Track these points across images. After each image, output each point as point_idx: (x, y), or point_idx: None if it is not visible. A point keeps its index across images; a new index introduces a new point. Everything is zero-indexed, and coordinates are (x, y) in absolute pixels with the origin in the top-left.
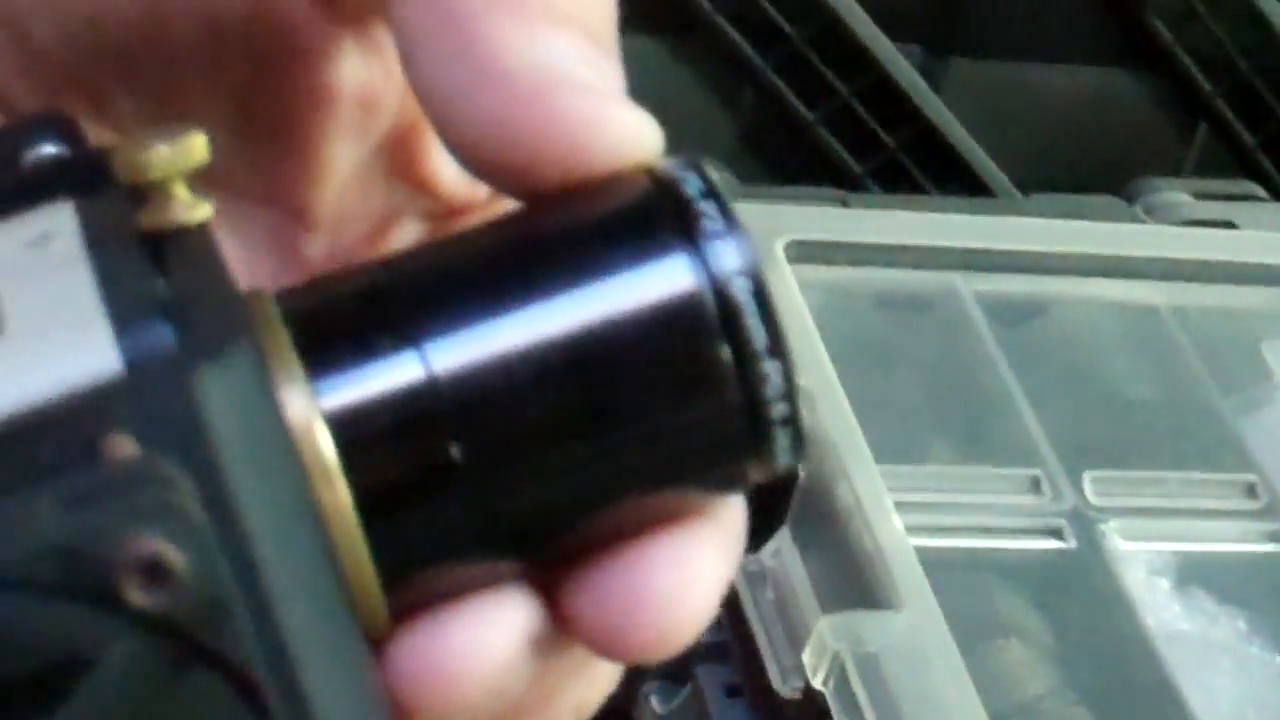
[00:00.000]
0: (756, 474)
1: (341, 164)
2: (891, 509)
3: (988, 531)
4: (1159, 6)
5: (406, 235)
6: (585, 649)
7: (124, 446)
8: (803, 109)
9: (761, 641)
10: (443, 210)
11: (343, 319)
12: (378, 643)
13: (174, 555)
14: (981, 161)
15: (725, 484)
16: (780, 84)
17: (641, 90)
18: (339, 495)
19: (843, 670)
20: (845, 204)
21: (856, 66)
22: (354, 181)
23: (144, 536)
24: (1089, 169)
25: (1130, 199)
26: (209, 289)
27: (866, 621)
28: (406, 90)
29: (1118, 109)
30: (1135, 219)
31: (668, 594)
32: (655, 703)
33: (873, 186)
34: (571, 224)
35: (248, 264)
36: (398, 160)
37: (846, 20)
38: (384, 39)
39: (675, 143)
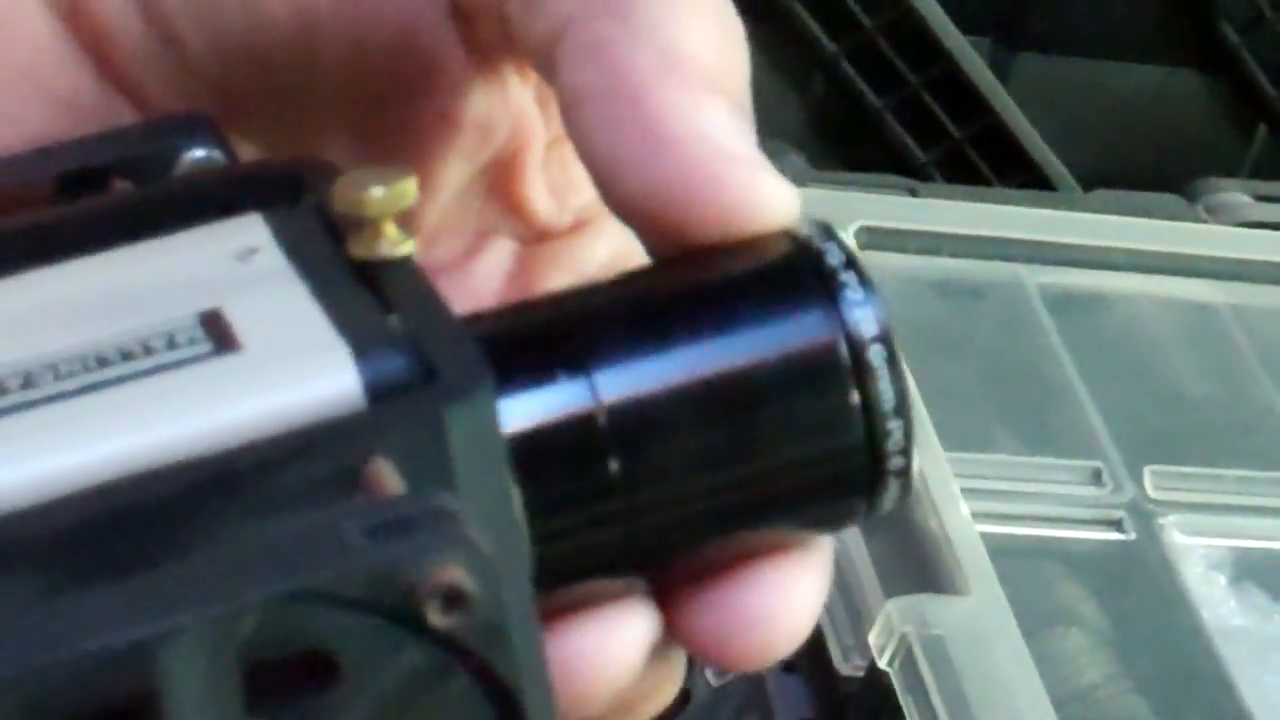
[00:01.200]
0: (863, 515)
1: (450, 182)
2: (959, 495)
3: (1050, 520)
4: (1228, 10)
5: (497, 253)
6: (689, 654)
7: (385, 475)
8: (873, 97)
9: (823, 620)
10: (532, 234)
11: (523, 346)
12: None
13: (470, 585)
14: (1045, 155)
15: (834, 522)
16: (852, 72)
17: None
18: (519, 511)
19: (909, 651)
20: (914, 193)
21: (927, 57)
22: (457, 199)
23: (446, 566)
24: (1150, 167)
25: (1191, 198)
26: (435, 320)
27: (933, 605)
28: (516, 119)
29: (1181, 109)
30: (1196, 218)
31: (774, 616)
32: (710, 675)
33: (937, 175)
34: (727, 279)
35: None
36: (498, 183)
37: (919, 11)
38: (507, 72)
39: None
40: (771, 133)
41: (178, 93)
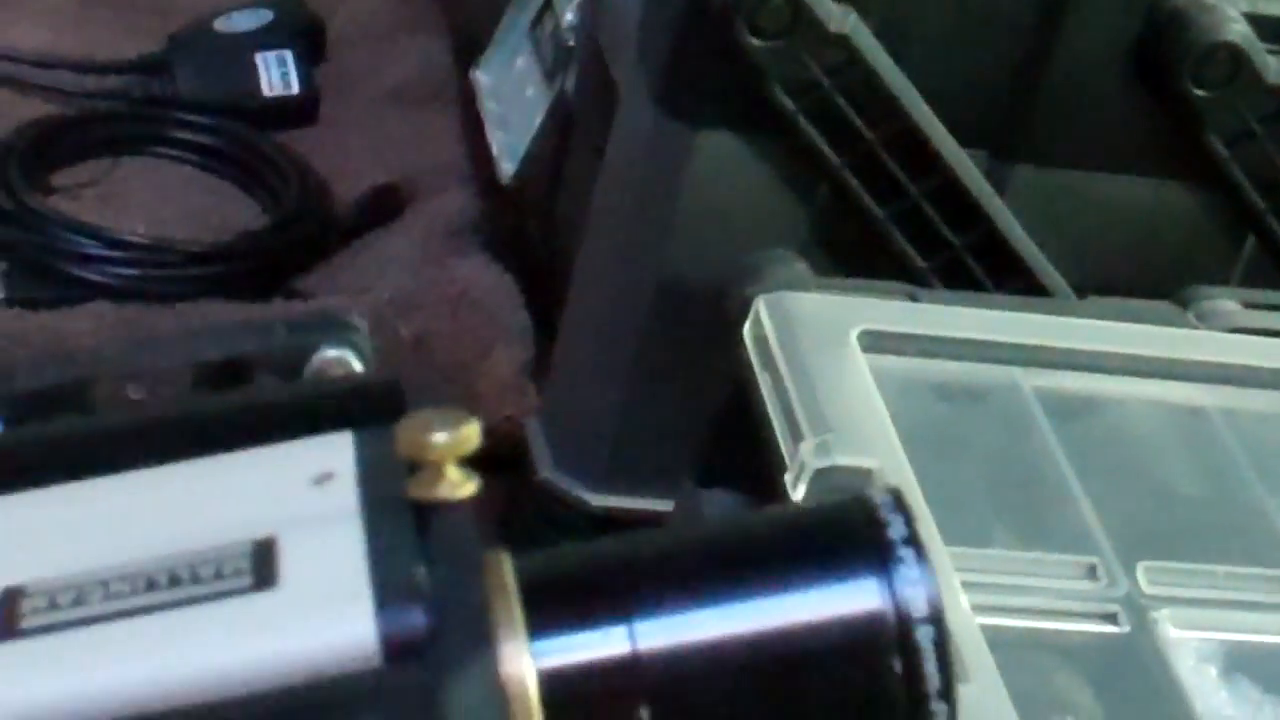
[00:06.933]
0: None
1: None
2: (959, 588)
3: (1047, 613)
4: (1218, 125)
5: None
6: None
7: None
8: (874, 207)
9: None
10: None
11: (568, 589)
12: None
13: None
14: (1040, 264)
15: None
16: (854, 182)
17: (723, 183)
18: None
19: None
20: (915, 299)
21: (927, 169)
22: None
23: None
24: (1143, 275)
25: (1182, 305)
26: (464, 580)
27: None
28: None
29: (1172, 220)
30: (1187, 324)
31: None
32: None
33: (936, 283)
34: (782, 540)
35: None
36: None
37: (920, 125)
38: None
39: (754, 233)
40: (777, 241)
41: None
